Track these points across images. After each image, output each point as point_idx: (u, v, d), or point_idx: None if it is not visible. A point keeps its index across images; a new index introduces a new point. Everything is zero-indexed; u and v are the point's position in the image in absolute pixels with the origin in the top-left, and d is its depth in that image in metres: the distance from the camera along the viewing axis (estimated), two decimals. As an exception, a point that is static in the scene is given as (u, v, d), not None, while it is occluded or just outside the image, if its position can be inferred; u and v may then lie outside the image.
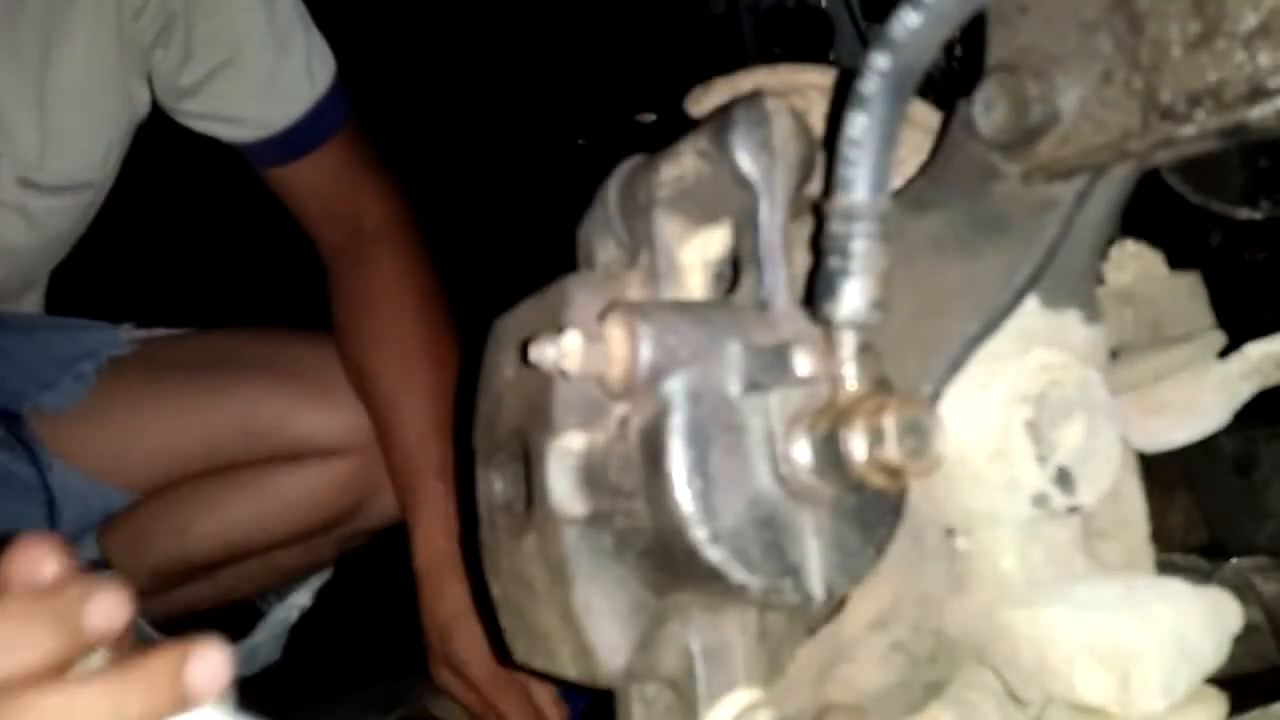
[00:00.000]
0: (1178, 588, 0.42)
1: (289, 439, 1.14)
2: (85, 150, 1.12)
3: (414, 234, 1.16)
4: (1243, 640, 0.42)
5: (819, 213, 0.40)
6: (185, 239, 1.95)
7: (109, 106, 1.12)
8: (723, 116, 0.43)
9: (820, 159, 0.44)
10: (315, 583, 1.27)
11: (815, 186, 0.44)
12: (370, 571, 1.31)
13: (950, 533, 0.44)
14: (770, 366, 0.40)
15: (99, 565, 1.12)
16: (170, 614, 1.17)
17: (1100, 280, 0.50)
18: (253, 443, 1.14)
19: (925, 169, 0.46)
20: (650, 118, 1.71)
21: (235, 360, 1.17)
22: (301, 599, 1.26)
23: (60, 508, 1.11)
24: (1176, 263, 0.53)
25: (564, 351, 0.40)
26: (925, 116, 0.49)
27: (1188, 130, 0.37)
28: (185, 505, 1.16)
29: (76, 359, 1.14)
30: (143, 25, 1.08)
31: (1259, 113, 0.35)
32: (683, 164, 0.45)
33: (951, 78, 0.48)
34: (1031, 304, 0.43)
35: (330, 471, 1.15)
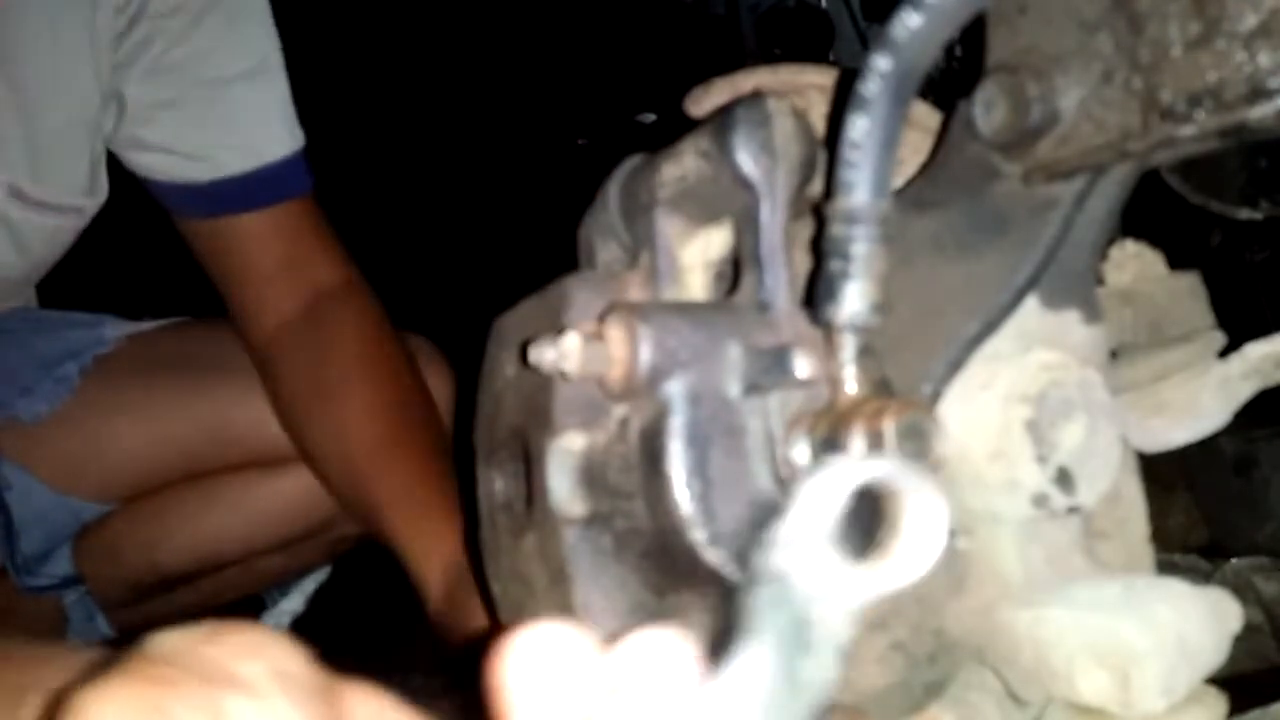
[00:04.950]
0: (1178, 588, 0.42)
1: (263, 444, 1.10)
2: (72, 168, 1.09)
3: (376, 304, 1.08)
4: (1243, 640, 0.42)
5: (820, 215, 0.40)
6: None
7: (85, 125, 1.09)
8: (724, 117, 0.43)
9: (821, 159, 0.44)
10: (309, 586, 1.24)
11: (817, 186, 0.44)
12: (365, 571, 1.29)
13: (950, 533, 0.44)
14: (770, 368, 0.40)
15: (73, 580, 1.11)
16: (151, 621, 1.15)
17: (1100, 280, 0.50)
18: (226, 449, 1.11)
19: (925, 169, 0.46)
20: (650, 118, 1.71)
21: (210, 363, 1.14)
22: (293, 604, 1.23)
23: (20, 530, 1.08)
24: (1176, 263, 0.53)
25: (563, 353, 0.40)
26: (925, 117, 0.49)
27: (1188, 130, 0.37)
28: (157, 519, 1.13)
29: (59, 360, 1.11)
30: (121, 46, 1.05)
31: (1259, 113, 0.35)
32: (684, 164, 0.45)
33: (951, 78, 0.48)
34: (1031, 304, 0.43)
35: (308, 478, 1.10)
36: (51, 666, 0.39)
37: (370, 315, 1.06)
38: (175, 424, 1.11)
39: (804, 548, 0.25)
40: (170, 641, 0.32)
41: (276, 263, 1.08)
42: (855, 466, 0.26)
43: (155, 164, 1.11)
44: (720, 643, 0.25)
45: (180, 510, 1.13)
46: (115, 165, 1.17)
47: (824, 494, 0.26)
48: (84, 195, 1.12)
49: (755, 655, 0.25)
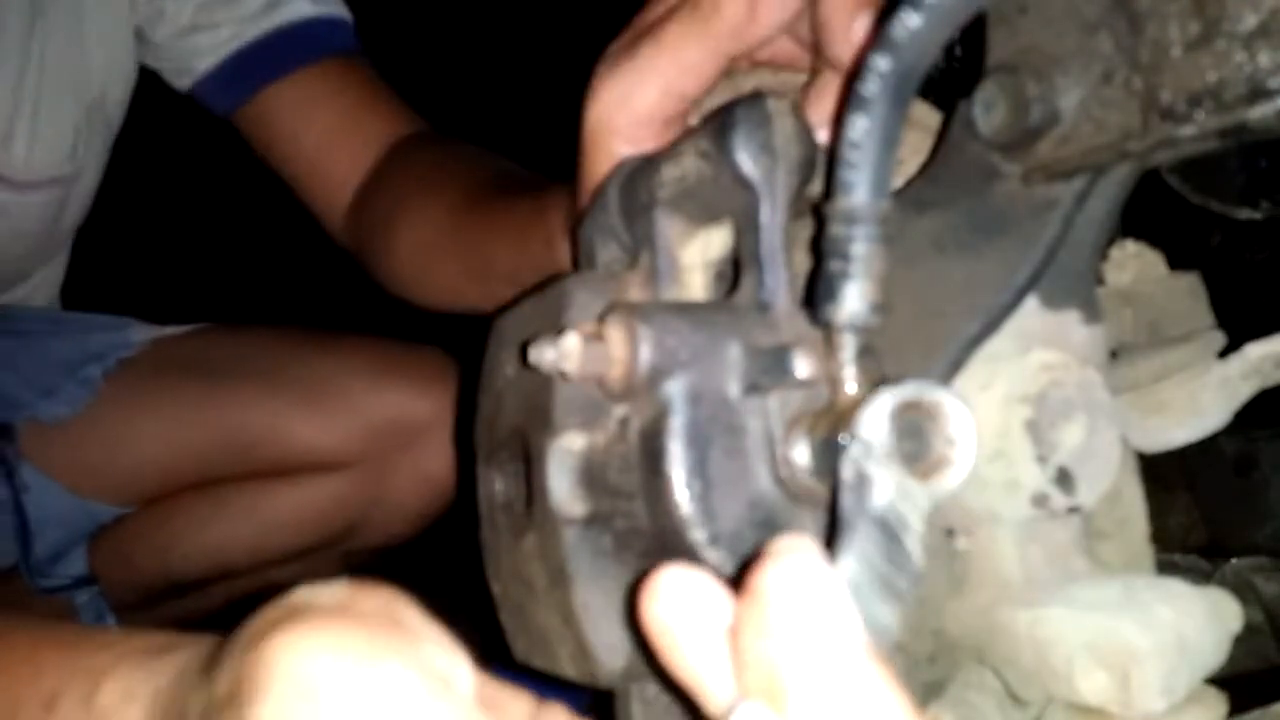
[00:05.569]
0: (1178, 588, 0.42)
1: (279, 450, 1.11)
2: (57, 141, 1.10)
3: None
4: (1243, 640, 0.42)
5: (820, 215, 0.40)
6: (200, 229, 1.94)
7: (69, 90, 1.09)
8: (724, 117, 0.43)
9: (821, 159, 0.44)
10: None
11: (817, 186, 0.44)
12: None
13: (950, 533, 0.44)
14: (770, 368, 0.40)
15: (86, 581, 1.11)
16: (161, 624, 1.16)
17: (1100, 280, 0.50)
18: (242, 455, 1.11)
19: (925, 169, 0.46)
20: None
21: (231, 369, 1.14)
22: None
23: (35, 532, 1.08)
24: (1176, 263, 0.53)
25: (563, 353, 0.40)
26: (925, 117, 0.49)
27: (1188, 130, 0.37)
28: (170, 524, 1.13)
29: (82, 363, 1.11)
30: None
31: (1259, 113, 0.35)
32: (683, 164, 0.45)
33: (951, 78, 0.48)
34: (1031, 304, 0.43)
35: (323, 488, 1.12)
36: (111, 650, 0.38)
37: (452, 143, 0.96)
38: (194, 429, 1.12)
39: (872, 459, 0.33)
40: (325, 594, 0.32)
41: (329, 128, 1.03)
42: (900, 390, 0.34)
43: (183, 58, 1.10)
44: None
45: (192, 516, 1.13)
46: (134, 167, 1.18)
47: (881, 414, 0.34)
48: (67, 162, 1.12)
49: (856, 545, 0.32)
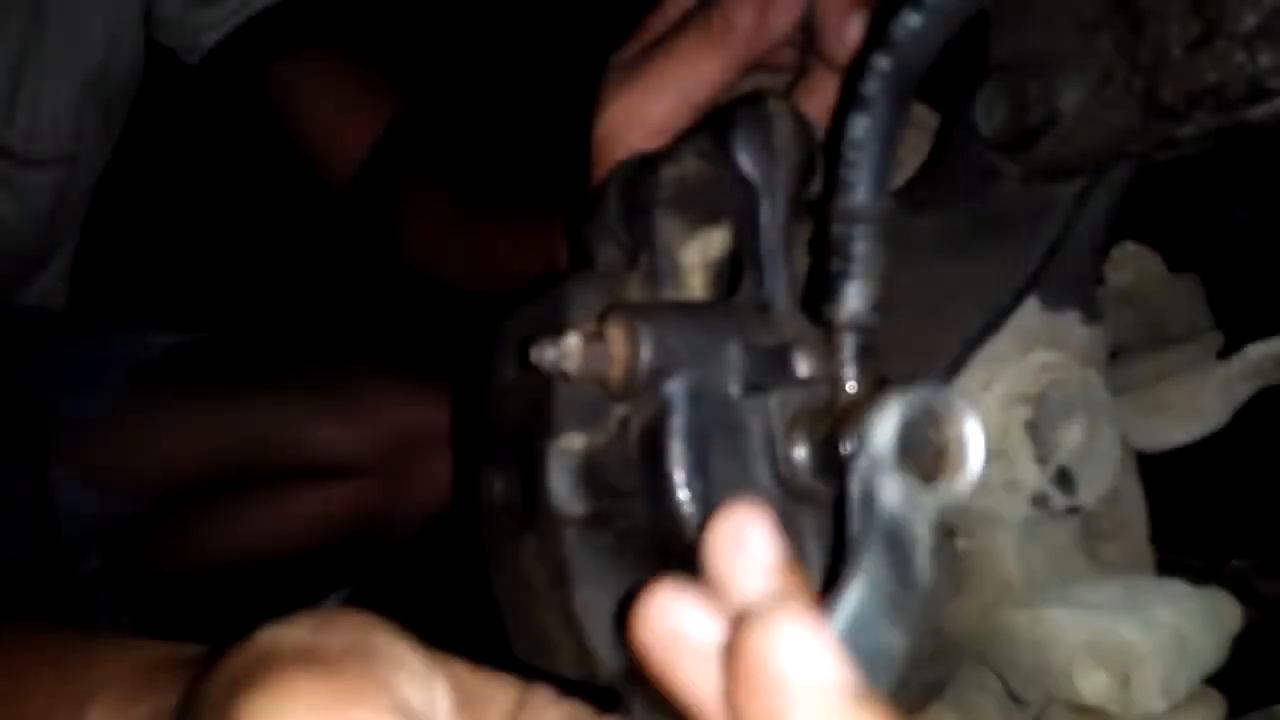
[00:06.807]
0: (1178, 588, 0.42)
1: (300, 452, 1.12)
2: (58, 115, 1.13)
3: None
4: (1243, 640, 0.42)
5: (820, 215, 0.40)
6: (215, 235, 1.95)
7: (74, 67, 1.12)
8: (723, 117, 0.43)
9: (821, 159, 0.44)
10: (333, 601, 1.24)
11: (817, 186, 0.44)
12: (386, 587, 1.29)
13: (950, 533, 0.44)
14: (770, 368, 0.40)
15: (102, 579, 1.12)
16: (174, 622, 1.16)
17: (1100, 280, 0.50)
18: (263, 455, 1.13)
19: (925, 169, 0.46)
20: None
21: (252, 371, 1.16)
22: None
23: (61, 522, 1.09)
24: (1176, 263, 0.53)
25: (563, 352, 0.40)
26: (925, 117, 0.49)
27: (1188, 130, 0.37)
28: (190, 524, 1.14)
29: (106, 364, 1.13)
30: None
31: (1259, 113, 0.35)
32: (683, 164, 0.45)
33: (952, 78, 0.48)
34: (1031, 304, 0.43)
35: (342, 492, 1.13)
36: (96, 673, 0.39)
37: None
38: (217, 430, 1.14)
39: (880, 471, 0.31)
40: (289, 635, 0.32)
41: (335, 103, 1.09)
42: (907, 398, 0.31)
43: (189, 33, 1.15)
44: None
45: (212, 516, 1.15)
46: (142, 161, 1.20)
47: (887, 423, 0.32)
48: (71, 139, 1.15)
49: (866, 568, 0.30)
